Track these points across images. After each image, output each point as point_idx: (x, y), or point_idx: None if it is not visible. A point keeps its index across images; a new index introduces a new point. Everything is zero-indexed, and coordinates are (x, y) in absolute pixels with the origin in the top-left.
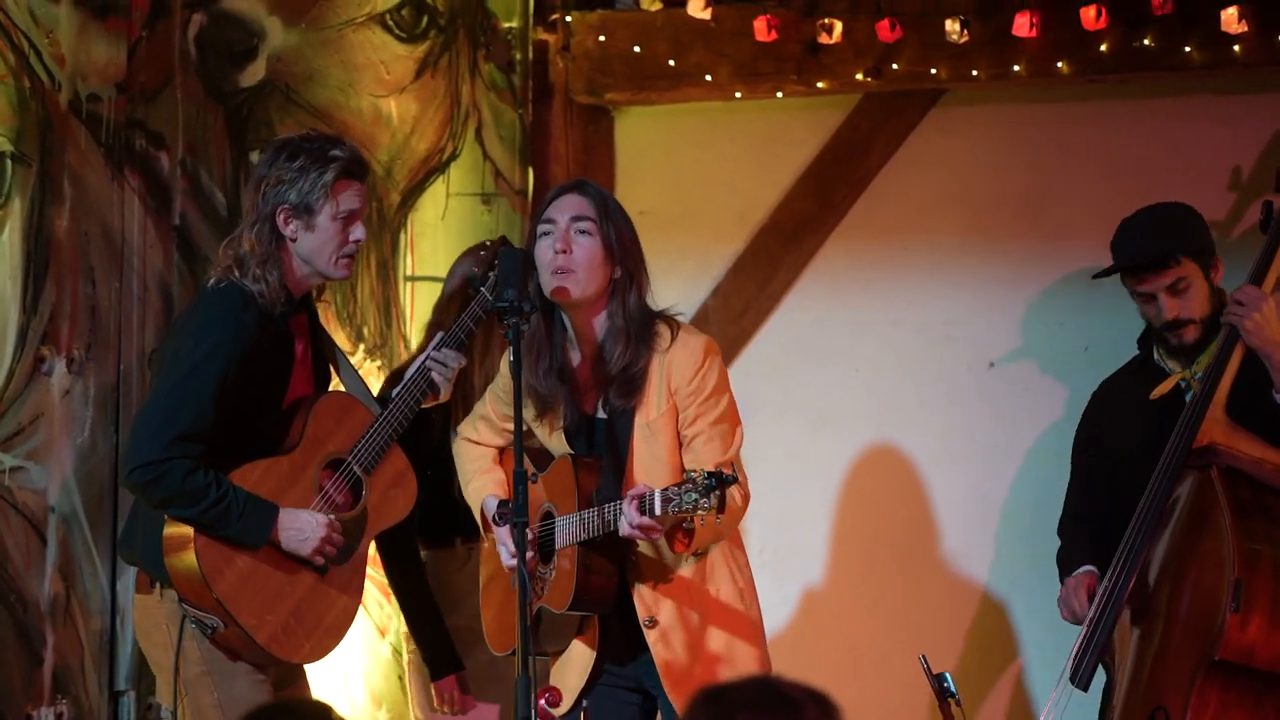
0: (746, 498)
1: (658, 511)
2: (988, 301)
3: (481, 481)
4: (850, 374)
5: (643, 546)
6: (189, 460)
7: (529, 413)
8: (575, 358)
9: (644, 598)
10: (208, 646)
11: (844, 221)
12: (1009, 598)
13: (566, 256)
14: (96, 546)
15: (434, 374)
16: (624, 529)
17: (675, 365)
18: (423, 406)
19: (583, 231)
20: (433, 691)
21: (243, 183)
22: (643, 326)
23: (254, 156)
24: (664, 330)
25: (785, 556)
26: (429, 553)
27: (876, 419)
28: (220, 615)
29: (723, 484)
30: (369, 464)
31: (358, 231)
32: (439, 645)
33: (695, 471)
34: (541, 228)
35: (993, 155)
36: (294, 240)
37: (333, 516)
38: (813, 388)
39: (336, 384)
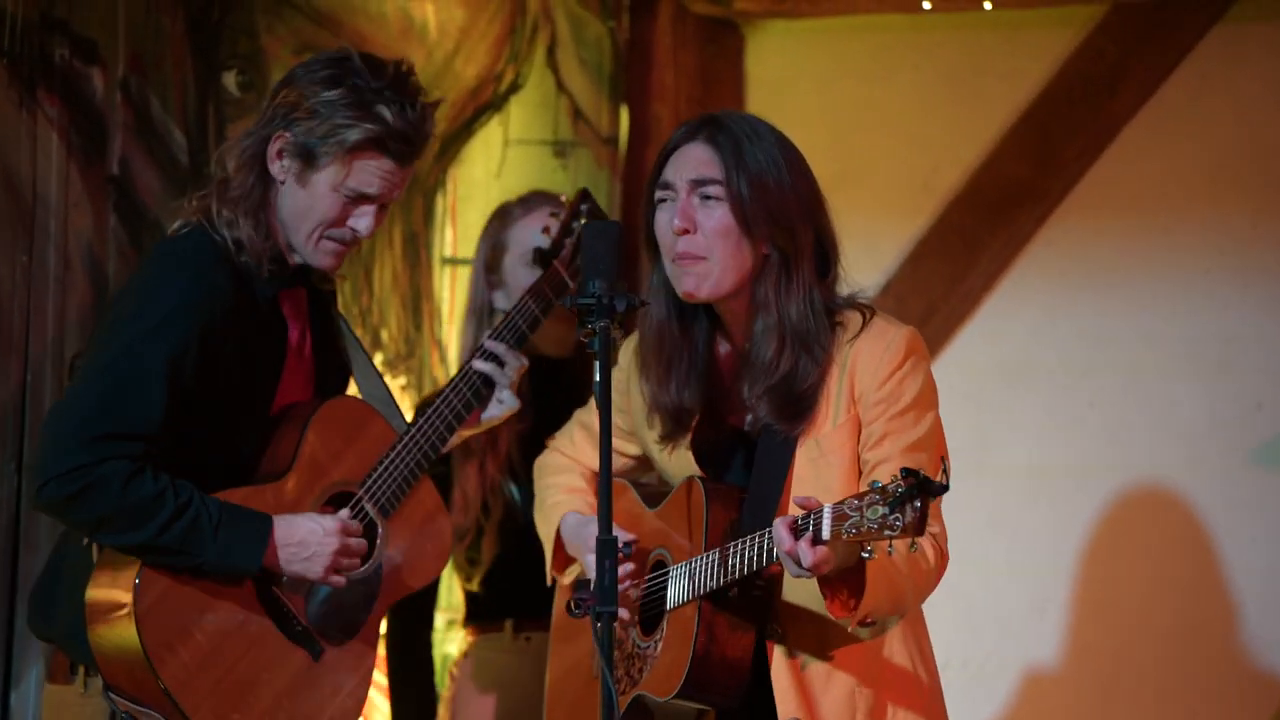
0: (944, 557)
1: (826, 534)
2: None
3: (563, 498)
4: (1082, 410)
5: (792, 594)
6: (127, 461)
7: (653, 432)
8: (724, 351)
9: (786, 689)
10: None
11: (1076, 190)
12: None
13: (689, 239)
14: None
15: (484, 372)
16: (782, 546)
17: (863, 360)
18: (467, 428)
19: (709, 198)
20: None
21: (211, 115)
22: (808, 326)
23: (229, 79)
24: (851, 318)
25: (984, 673)
26: (468, 632)
27: (1121, 476)
28: (165, 710)
29: (927, 492)
30: (388, 502)
31: (362, 221)
32: None
33: (888, 479)
34: (658, 194)
35: None
36: (282, 182)
37: (337, 522)
38: (1026, 429)
39: (353, 392)
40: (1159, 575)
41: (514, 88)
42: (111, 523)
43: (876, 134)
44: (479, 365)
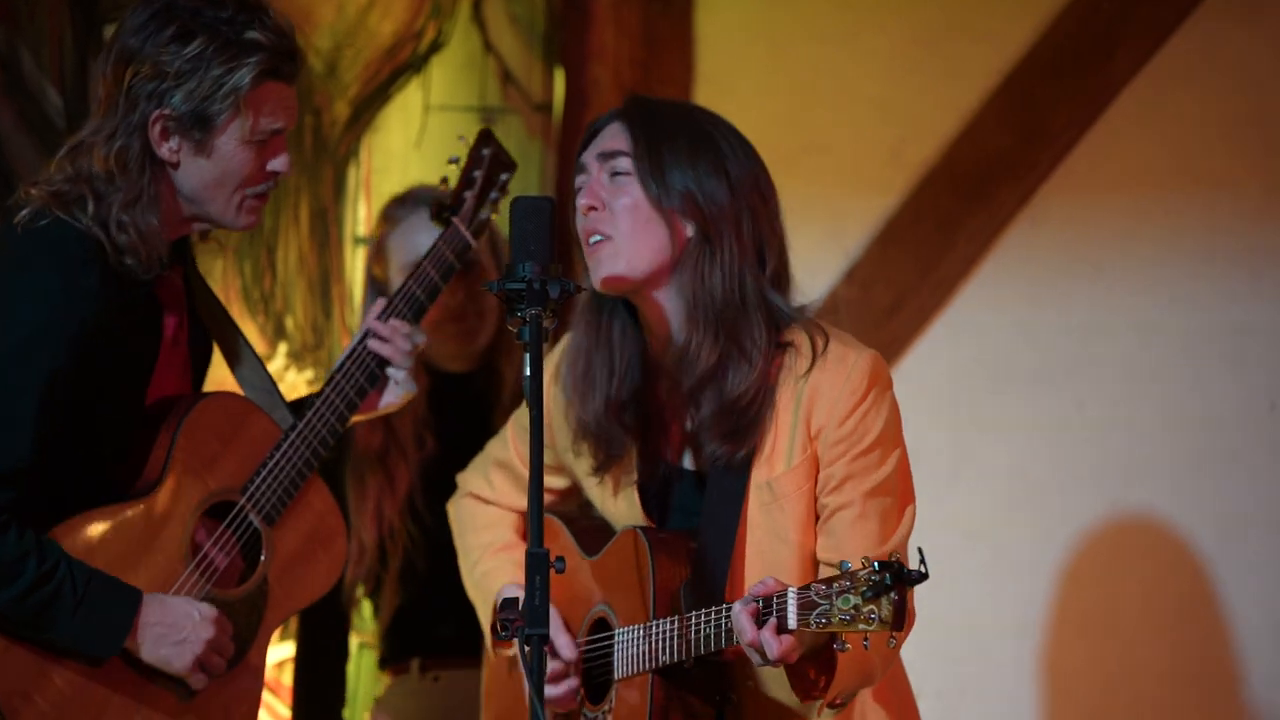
0: (912, 617)
1: (792, 624)
2: None
3: (494, 564)
4: (1070, 412)
5: (753, 668)
6: None
7: (584, 464)
8: (650, 370)
9: None
10: None
11: (1065, 165)
12: None
13: (596, 215)
14: None
15: (380, 353)
16: (744, 638)
17: (822, 392)
18: (361, 414)
19: (618, 174)
20: None
21: (91, 66)
22: (735, 313)
23: (109, 32)
24: (801, 340)
25: (961, 704)
26: (380, 675)
27: (1114, 487)
28: None
29: (903, 582)
30: (274, 508)
31: (279, 160)
32: None
33: (858, 562)
34: (576, 180)
35: None
36: (175, 166)
37: (215, 610)
38: (1007, 432)
39: (228, 381)
40: (1154, 595)
41: (435, 47)
42: None
43: (840, 102)
44: (374, 345)
